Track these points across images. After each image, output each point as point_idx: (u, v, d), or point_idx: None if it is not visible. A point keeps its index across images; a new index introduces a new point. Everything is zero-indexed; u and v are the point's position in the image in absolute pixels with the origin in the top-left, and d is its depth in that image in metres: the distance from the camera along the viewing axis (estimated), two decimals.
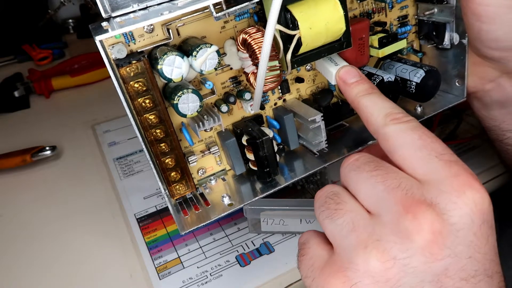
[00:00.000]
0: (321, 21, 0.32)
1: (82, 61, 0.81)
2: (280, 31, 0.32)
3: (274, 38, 0.30)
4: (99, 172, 0.57)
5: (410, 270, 0.24)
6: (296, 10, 0.31)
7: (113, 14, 0.29)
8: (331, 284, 0.26)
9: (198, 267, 0.43)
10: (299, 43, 0.32)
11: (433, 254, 0.24)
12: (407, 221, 0.24)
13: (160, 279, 0.42)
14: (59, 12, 0.95)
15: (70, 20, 0.97)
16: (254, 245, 0.44)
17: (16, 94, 0.75)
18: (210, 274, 0.42)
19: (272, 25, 0.29)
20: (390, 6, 0.41)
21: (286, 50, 0.33)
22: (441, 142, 0.27)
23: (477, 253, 0.24)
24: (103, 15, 0.29)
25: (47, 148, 0.59)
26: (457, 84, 0.43)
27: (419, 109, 0.43)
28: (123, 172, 0.56)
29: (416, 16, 0.43)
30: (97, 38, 0.28)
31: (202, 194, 0.38)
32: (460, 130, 0.55)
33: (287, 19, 0.32)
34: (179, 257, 0.44)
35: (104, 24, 0.29)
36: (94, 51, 0.82)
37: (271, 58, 0.31)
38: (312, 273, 0.28)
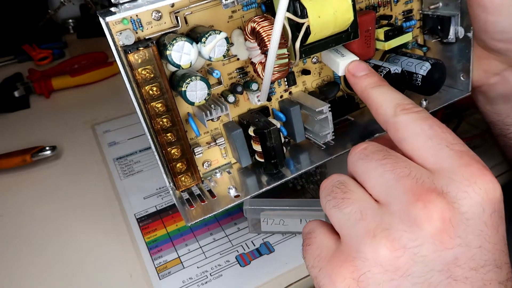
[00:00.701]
0: (329, 10, 0.32)
1: (82, 61, 0.81)
2: (289, 20, 0.32)
3: (283, 27, 0.30)
4: (99, 172, 0.57)
5: (420, 259, 0.24)
6: None
7: (121, 1, 0.29)
8: (339, 274, 0.25)
9: (198, 267, 0.42)
10: (307, 32, 0.32)
11: (443, 243, 0.24)
12: (417, 209, 0.24)
13: (160, 279, 0.42)
14: (59, 12, 0.95)
15: (70, 20, 0.97)
16: (254, 245, 0.44)
17: (16, 94, 0.75)
18: (210, 274, 0.42)
19: (283, 10, 0.29)
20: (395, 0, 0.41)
21: (294, 39, 0.33)
22: (451, 132, 0.27)
23: (487, 243, 0.24)
24: (112, 0, 0.29)
25: (47, 148, 0.59)
26: (462, 78, 0.43)
27: (424, 103, 0.43)
28: (123, 172, 0.56)
29: (420, 11, 0.43)
30: (106, 19, 0.28)
31: (207, 186, 0.37)
32: (461, 130, 0.55)
33: (296, 8, 0.32)
34: (179, 257, 0.44)
35: (112, 9, 0.29)
36: (94, 51, 0.82)
37: (280, 46, 0.31)
38: (319, 263, 0.27)
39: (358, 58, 0.36)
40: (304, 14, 0.32)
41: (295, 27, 0.33)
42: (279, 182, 0.37)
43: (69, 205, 0.52)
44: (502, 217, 0.25)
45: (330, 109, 0.36)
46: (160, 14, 0.31)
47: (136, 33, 0.31)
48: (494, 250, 0.24)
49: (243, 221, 0.46)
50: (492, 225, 0.24)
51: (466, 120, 0.56)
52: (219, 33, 0.30)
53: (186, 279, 0.42)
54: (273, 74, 0.33)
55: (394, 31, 0.39)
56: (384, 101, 0.30)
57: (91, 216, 0.50)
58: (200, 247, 0.44)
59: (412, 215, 0.24)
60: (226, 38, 0.31)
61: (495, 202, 0.25)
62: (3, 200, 0.55)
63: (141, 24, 0.31)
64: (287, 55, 0.33)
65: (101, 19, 0.28)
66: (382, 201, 0.26)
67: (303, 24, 0.32)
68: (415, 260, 0.24)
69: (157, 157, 0.33)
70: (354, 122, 0.42)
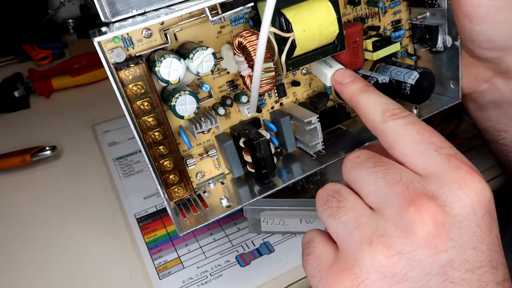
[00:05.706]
0: (314, 23, 0.33)
1: (82, 61, 0.81)
2: (275, 34, 0.33)
3: (269, 41, 0.31)
4: (99, 172, 0.57)
5: (415, 264, 0.24)
6: (289, 13, 0.32)
7: (113, 20, 0.29)
8: (339, 283, 0.26)
9: (198, 267, 0.43)
10: (294, 46, 0.33)
11: (437, 246, 0.24)
12: (410, 214, 0.24)
13: (160, 279, 0.42)
14: (59, 12, 0.95)
15: (70, 20, 0.97)
16: (254, 245, 0.44)
17: (16, 94, 0.75)
18: (210, 274, 0.42)
19: (267, 24, 0.29)
20: (383, 10, 0.42)
21: (281, 53, 0.33)
22: (439, 135, 0.27)
23: (481, 244, 0.24)
24: (103, 19, 0.29)
25: (47, 148, 0.59)
26: (451, 86, 0.43)
27: (414, 111, 0.44)
28: (123, 172, 0.56)
29: (409, 21, 0.43)
30: (95, 40, 0.29)
31: (200, 196, 0.38)
32: (460, 130, 0.55)
33: (281, 22, 0.33)
34: (179, 257, 0.44)
35: (103, 28, 0.30)
36: (94, 51, 0.82)
37: (266, 60, 0.32)
38: (319, 272, 0.27)
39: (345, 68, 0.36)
40: (289, 28, 0.32)
41: (281, 41, 0.33)
42: (270, 192, 0.37)
43: (69, 205, 0.53)
44: (494, 218, 0.25)
45: (319, 119, 0.37)
46: (150, 31, 0.32)
47: (127, 50, 0.32)
48: (489, 251, 0.25)
49: (243, 221, 0.46)
50: (485, 226, 0.25)
51: (465, 120, 0.56)
52: (206, 49, 0.31)
53: (186, 279, 0.42)
54: (261, 86, 0.33)
55: (382, 42, 0.40)
56: (371, 107, 0.31)
57: (91, 216, 0.50)
58: (200, 247, 0.45)
59: (405, 220, 0.24)
60: (213, 54, 0.31)
61: (486, 204, 0.25)
62: (3, 200, 0.55)
63: (131, 42, 0.32)
64: (273, 69, 0.34)
65: (92, 39, 0.29)
66: (376, 208, 0.26)
67: (288, 38, 0.32)
68: (411, 265, 0.24)
69: (151, 169, 0.33)
70: (346, 131, 0.43)
